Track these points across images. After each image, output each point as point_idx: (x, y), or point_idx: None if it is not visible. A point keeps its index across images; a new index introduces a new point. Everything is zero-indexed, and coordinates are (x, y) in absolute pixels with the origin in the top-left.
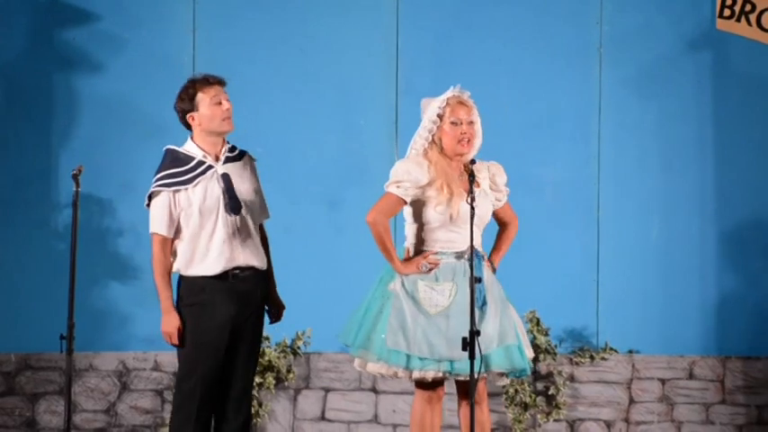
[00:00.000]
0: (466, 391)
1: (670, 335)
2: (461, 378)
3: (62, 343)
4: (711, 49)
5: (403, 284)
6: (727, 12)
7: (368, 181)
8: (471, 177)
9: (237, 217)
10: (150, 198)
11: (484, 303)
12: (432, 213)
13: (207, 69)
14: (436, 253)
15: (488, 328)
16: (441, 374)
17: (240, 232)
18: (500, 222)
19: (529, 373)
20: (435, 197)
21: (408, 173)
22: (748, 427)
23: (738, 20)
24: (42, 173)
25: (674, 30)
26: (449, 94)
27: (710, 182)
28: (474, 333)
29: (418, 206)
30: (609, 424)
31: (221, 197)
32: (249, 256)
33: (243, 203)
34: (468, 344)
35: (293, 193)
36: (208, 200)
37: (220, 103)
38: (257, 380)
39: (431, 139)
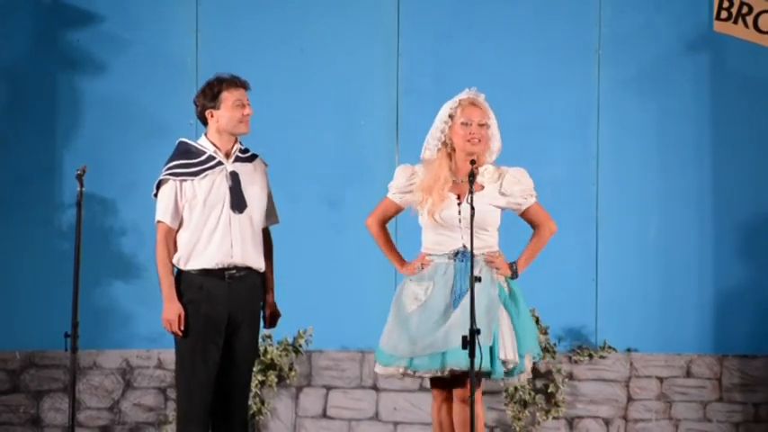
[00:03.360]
0: (444, 389)
1: (668, 333)
2: (420, 374)
3: (66, 341)
4: (709, 51)
5: (402, 287)
6: (724, 14)
7: (368, 180)
8: (471, 178)
9: (240, 216)
10: (158, 187)
11: (459, 303)
12: (421, 217)
13: (209, 69)
14: (428, 254)
15: (451, 327)
16: (401, 370)
17: (241, 231)
18: (531, 225)
19: (499, 376)
20: (419, 202)
21: (397, 178)
22: (745, 424)
23: (735, 22)
24: (46, 173)
25: (673, 31)
26: (462, 95)
27: (708, 181)
28: (474, 332)
29: (417, 211)
30: (607, 422)
31: (227, 194)
32: (247, 257)
33: (248, 204)
34: (469, 342)
35: (294, 193)
36: (213, 194)
37: (243, 107)
38: (260, 378)
39: (443, 139)
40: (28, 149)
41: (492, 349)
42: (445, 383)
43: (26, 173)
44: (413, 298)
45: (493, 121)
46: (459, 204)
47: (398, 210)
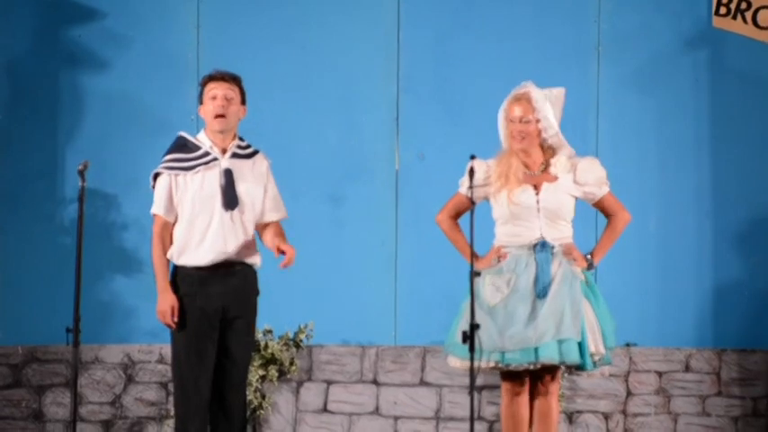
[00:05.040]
0: (535, 383)
1: (667, 328)
2: (512, 368)
3: (68, 336)
4: (708, 47)
5: (479, 281)
6: (723, 9)
7: (369, 177)
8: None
9: (233, 213)
10: (154, 179)
11: (545, 295)
12: (495, 210)
13: (211, 66)
14: (504, 247)
15: (541, 321)
16: (492, 364)
17: (234, 229)
18: (605, 215)
19: (590, 368)
20: (495, 192)
21: (471, 172)
22: (744, 418)
23: (734, 17)
24: (48, 168)
25: (672, 28)
26: (513, 91)
27: (707, 178)
28: (474, 326)
29: (490, 204)
30: (607, 416)
31: (219, 191)
32: (241, 253)
33: (241, 201)
34: (469, 337)
35: (295, 189)
36: (204, 190)
37: (214, 98)
38: (260, 372)
39: (505, 134)
40: (30, 145)
41: (581, 344)
42: (517, 376)
43: (28, 168)
44: (494, 290)
45: (542, 114)
46: (536, 194)
47: (470, 205)
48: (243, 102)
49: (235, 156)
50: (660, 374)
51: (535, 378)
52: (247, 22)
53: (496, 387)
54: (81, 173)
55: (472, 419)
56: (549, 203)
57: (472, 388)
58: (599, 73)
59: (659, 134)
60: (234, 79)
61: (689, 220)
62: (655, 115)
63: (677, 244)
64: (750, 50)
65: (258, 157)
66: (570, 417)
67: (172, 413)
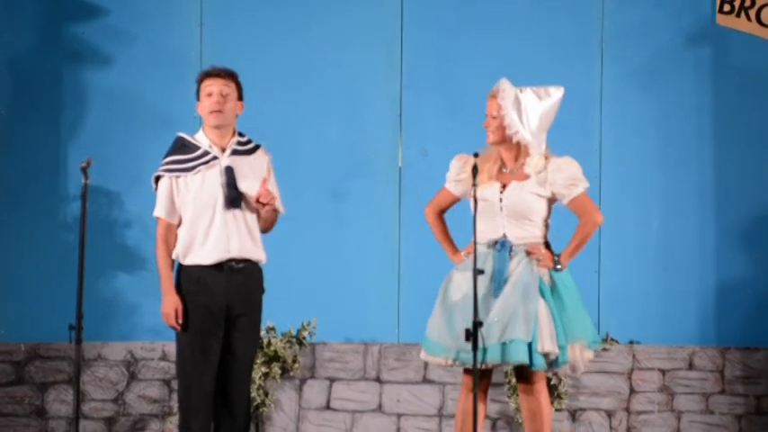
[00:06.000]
0: (519, 382)
1: (670, 326)
2: (468, 367)
3: (71, 333)
4: (711, 44)
5: (450, 275)
6: (726, 7)
7: (372, 173)
8: (474, 171)
9: (236, 211)
10: (156, 182)
11: (498, 294)
12: (471, 203)
13: (214, 62)
14: (477, 243)
15: (489, 322)
16: (450, 362)
17: (238, 227)
18: (578, 217)
19: (540, 368)
20: (470, 190)
21: (451, 167)
22: (747, 416)
23: (738, 15)
24: (51, 165)
25: (675, 25)
26: None
27: (710, 175)
28: (477, 324)
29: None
30: (610, 414)
31: (221, 189)
32: (245, 250)
33: (243, 198)
34: (472, 335)
35: (298, 186)
36: (205, 191)
37: (209, 96)
38: (263, 370)
39: None
40: (33, 142)
41: (530, 344)
42: (481, 373)
43: (31, 165)
44: (457, 287)
45: (505, 111)
46: (501, 192)
47: (454, 199)
48: (240, 97)
49: (235, 153)
50: (663, 372)
51: (519, 377)
52: (250, 18)
53: (499, 385)
54: (84, 170)
55: (475, 417)
56: (512, 202)
57: (476, 386)
58: (602, 70)
59: (662, 131)
60: (230, 75)
61: (691, 218)
62: (658, 112)
63: (680, 241)
64: (753, 48)
65: (259, 152)
66: (573, 414)
67: (175, 410)
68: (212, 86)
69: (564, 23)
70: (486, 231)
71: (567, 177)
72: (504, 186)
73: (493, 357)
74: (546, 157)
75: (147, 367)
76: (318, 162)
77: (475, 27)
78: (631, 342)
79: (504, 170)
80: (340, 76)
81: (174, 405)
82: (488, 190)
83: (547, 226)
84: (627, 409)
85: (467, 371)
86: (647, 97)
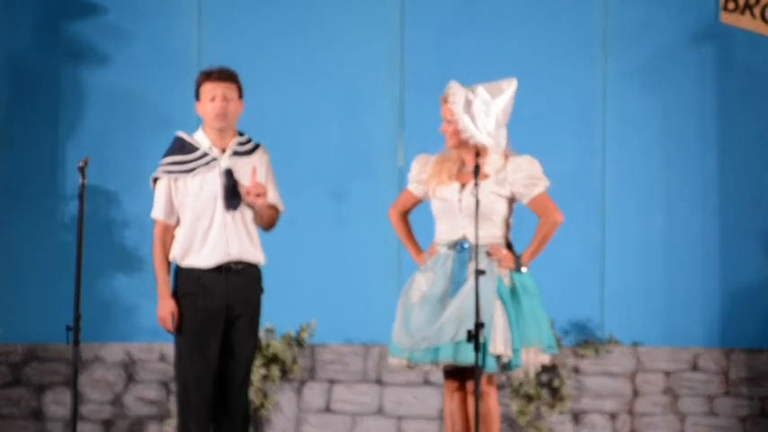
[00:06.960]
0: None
1: (674, 327)
2: (419, 367)
3: (68, 334)
4: (715, 42)
5: (413, 277)
6: (731, 5)
7: (373, 173)
8: (476, 170)
9: (235, 213)
10: (154, 183)
11: (455, 295)
12: (431, 204)
13: (213, 62)
14: (438, 244)
15: (444, 321)
16: (404, 363)
17: (237, 229)
18: (538, 217)
19: (491, 369)
20: (431, 190)
21: (413, 168)
22: (752, 418)
23: (743, 13)
24: (49, 165)
25: (679, 23)
26: None
27: (714, 174)
28: (479, 325)
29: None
30: (613, 416)
31: (220, 191)
32: (244, 253)
33: (243, 200)
34: (474, 336)
35: (298, 185)
36: (204, 193)
37: (213, 100)
38: (263, 372)
39: None
40: (31, 141)
41: (484, 344)
42: (457, 375)
43: (29, 165)
44: (417, 289)
45: (459, 116)
46: (460, 192)
47: (417, 200)
48: (240, 96)
49: (235, 154)
50: (667, 374)
51: (469, 379)
52: (249, 17)
53: (501, 387)
54: (81, 169)
55: (477, 419)
56: (471, 202)
57: (477, 388)
58: (605, 69)
59: (666, 130)
60: (231, 77)
61: (695, 217)
62: (661, 111)
63: (684, 241)
64: (756, 46)
65: (259, 152)
66: (576, 417)
67: (173, 412)
68: (215, 90)
69: (566, 22)
70: (447, 232)
71: (527, 177)
72: (463, 186)
73: (445, 356)
74: (506, 156)
75: (144, 369)
76: (318, 162)
77: (476, 27)
78: (635, 343)
79: (464, 169)
80: (340, 75)
81: (173, 407)
82: (448, 190)
83: (508, 226)
84: (630, 412)
85: (447, 374)
86: (651, 96)
